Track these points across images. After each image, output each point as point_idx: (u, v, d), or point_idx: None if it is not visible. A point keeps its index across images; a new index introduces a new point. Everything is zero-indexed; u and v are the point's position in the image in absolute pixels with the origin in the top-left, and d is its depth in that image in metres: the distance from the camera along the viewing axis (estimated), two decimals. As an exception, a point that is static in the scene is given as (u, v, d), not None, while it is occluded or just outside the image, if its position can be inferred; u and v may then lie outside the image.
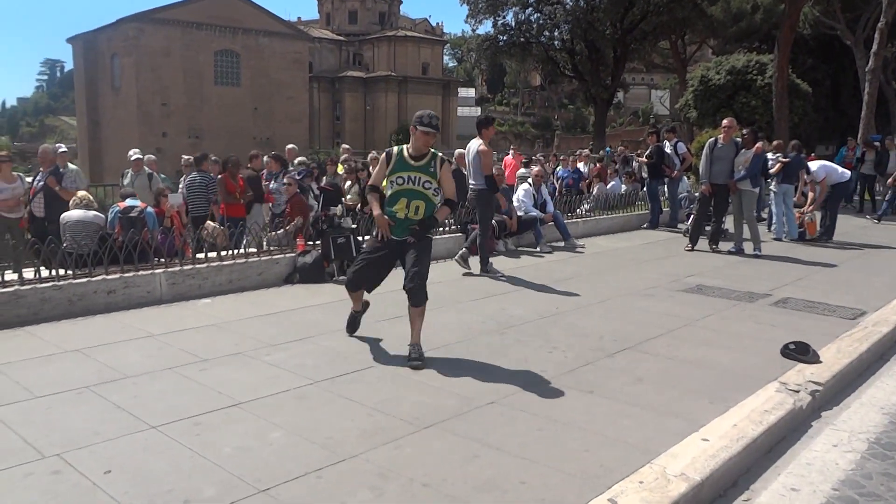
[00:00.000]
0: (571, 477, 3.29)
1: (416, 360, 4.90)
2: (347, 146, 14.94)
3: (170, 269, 6.83)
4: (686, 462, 3.44)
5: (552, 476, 3.30)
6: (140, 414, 3.96)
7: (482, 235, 8.44)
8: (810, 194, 12.08)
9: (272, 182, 10.53)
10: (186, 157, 11.54)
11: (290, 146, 13.18)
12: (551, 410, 4.11)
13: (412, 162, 5.11)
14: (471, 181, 8.55)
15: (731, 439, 3.72)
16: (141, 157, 10.55)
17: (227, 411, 4.03)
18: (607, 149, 29.78)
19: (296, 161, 11.86)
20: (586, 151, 18.05)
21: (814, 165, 11.94)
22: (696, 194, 12.44)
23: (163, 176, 10.79)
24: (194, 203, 9.93)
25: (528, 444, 3.64)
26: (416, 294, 4.99)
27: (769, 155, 11.87)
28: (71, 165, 9.43)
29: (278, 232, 8.24)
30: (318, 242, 8.03)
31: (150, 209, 7.79)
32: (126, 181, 10.10)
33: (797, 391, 4.50)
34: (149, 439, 3.65)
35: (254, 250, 7.73)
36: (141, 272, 6.63)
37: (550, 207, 10.74)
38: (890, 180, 14.35)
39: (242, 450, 3.53)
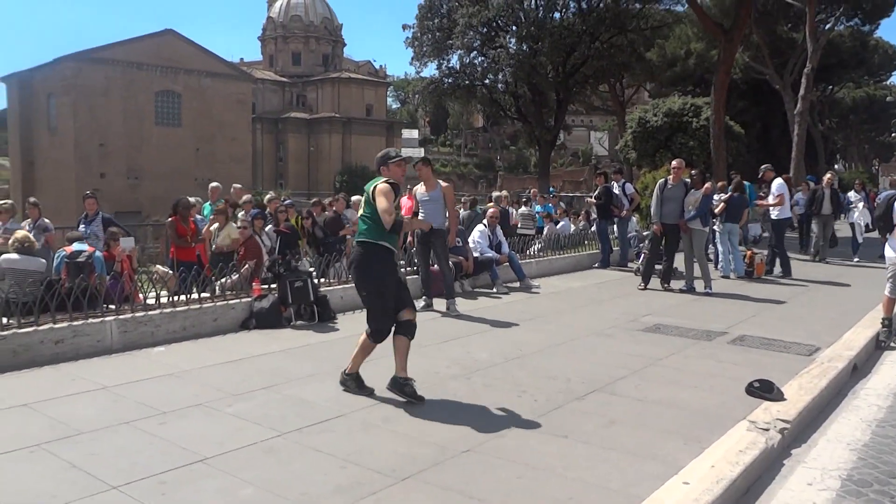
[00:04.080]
0: (559, 527, 3.22)
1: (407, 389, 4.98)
2: (239, 185, 13.35)
3: (121, 317, 6.57)
4: (671, 507, 3.41)
5: (539, 526, 3.22)
6: (99, 473, 3.73)
7: (448, 273, 8.58)
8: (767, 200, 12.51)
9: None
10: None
11: (236, 185, 12.70)
12: (528, 457, 4.04)
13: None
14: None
15: (711, 481, 3.71)
16: None
17: (192, 468, 3.83)
18: (551, 189, 30.30)
19: (242, 200, 11.54)
20: (505, 193, 17.59)
21: (779, 183, 12.45)
22: (646, 233, 12.69)
23: None
24: None
25: (510, 494, 3.56)
26: (414, 328, 5.10)
27: (715, 196, 12.23)
28: None
29: (232, 276, 8.03)
30: (274, 286, 7.85)
31: (98, 254, 7.51)
32: None
33: (767, 429, 4.54)
34: (110, 501, 3.44)
35: (208, 295, 7.51)
36: (91, 320, 6.35)
37: (506, 248, 10.80)
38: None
39: (214, 509, 3.36)
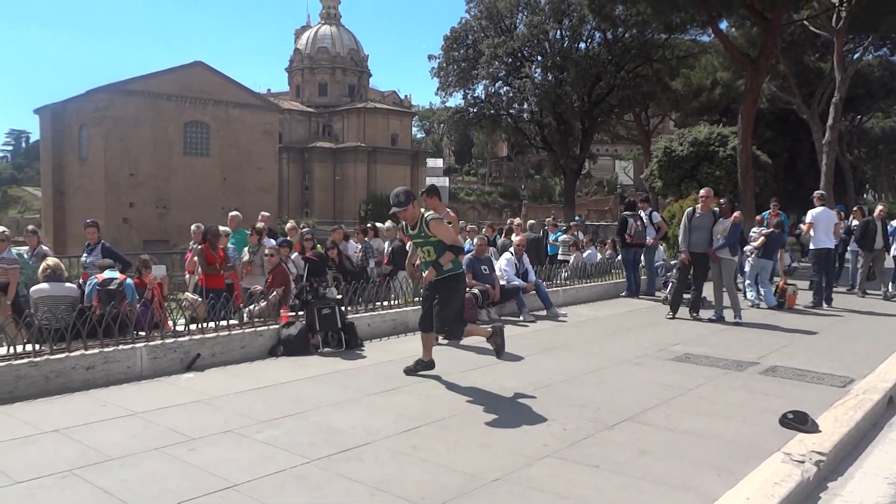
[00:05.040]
0: (592, 558, 3.16)
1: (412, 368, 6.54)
2: (267, 213, 13.12)
3: (151, 343, 6.63)
4: (706, 540, 3.34)
5: (572, 558, 3.16)
6: (130, 499, 3.75)
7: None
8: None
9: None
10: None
11: (264, 213, 12.59)
12: (559, 486, 3.99)
13: (410, 232, 6.40)
14: None
15: (746, 514, 3.63)
16: None
17: (223, 494, 3.83)
18: (577, 217, 30.22)
19: (257, 227, 11.30)
20: (518, 220, 17.05)
21: (813, 212, 12.24)
22: (673, 262, 12.60)
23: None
24: None
25: (541, 524, 3.51)
26: (450, 335, 6.86)
27: (754, 229, 12.14)
28: None
29: (261, 303, 8.08)
30: (301, 313, 7.88)
31: (129, 281, 7.60)
32: None
33: (802, 461, 4.44)
34: (142, 526, 3.45)
35: (236, 322, 7.56)
36: (121, 346, 6.42)
37: (532, 276, 10.76)
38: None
39: (243, 536, 3.35)
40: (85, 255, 9.93)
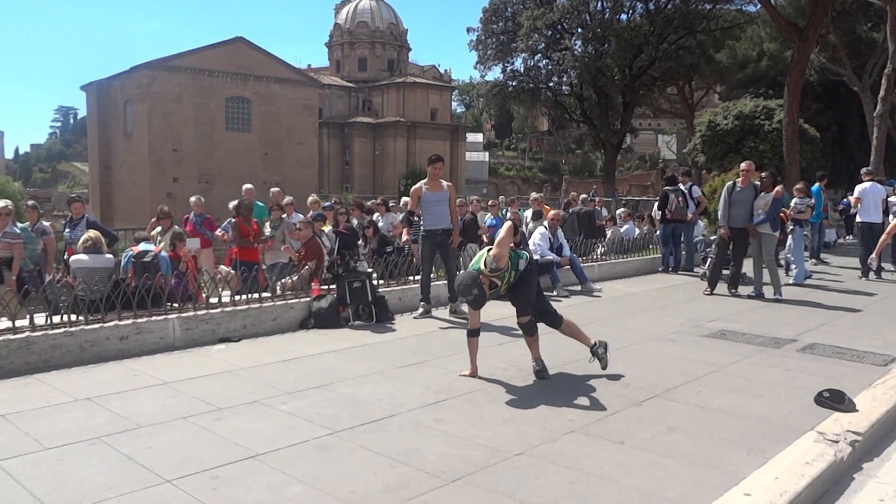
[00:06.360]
0: (611, 535, 3.11)
1: (539, 371, 5.68)
2: (277, 189, 12.12)
3: (183, 315, 6.72)
4: (730, 519, 3.26)
5: (590, 534, 3.11)
6: (154, 466, 3.80)
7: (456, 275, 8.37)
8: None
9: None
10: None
11: (274, 189, 12.04)
12: (583, 462, 3.93)
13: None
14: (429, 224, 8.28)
15: (774, 494, 3.53)
16: None
17: (244, 463, 3.86)
18: (615, 192, 29.82)
19: (285, 202, 11.17)
20: (534, 195, 16.25)
21: (861, 187, 12.21)
22: (713, 238, 12.36)
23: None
24: None
25: (562, 499, 3.46)
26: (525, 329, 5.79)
27: (795, 199, 11.93)
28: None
29: (293, 277, 8.12)
30: (333, 287, 7.90)
31: (164, 254, 7.69)
32: None
33: (836, 441, 4.31)
34: (163, 494, 3.49)
35: (268, 295, 7.61)
36: (154, 317, 6.52)
37: (566, 251, 10.63)
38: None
39: (262, 505, 3.37)
40: (68, 229, 9.58)
